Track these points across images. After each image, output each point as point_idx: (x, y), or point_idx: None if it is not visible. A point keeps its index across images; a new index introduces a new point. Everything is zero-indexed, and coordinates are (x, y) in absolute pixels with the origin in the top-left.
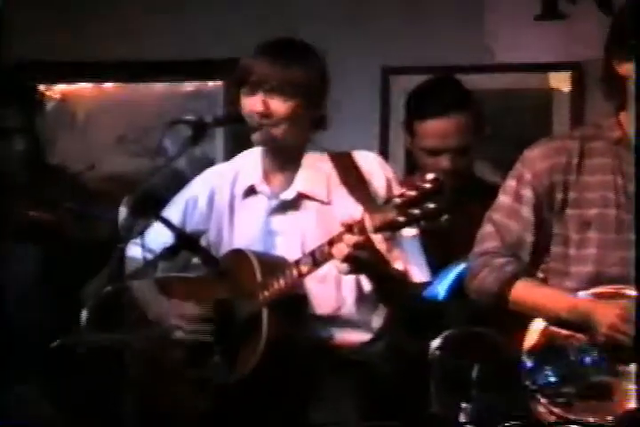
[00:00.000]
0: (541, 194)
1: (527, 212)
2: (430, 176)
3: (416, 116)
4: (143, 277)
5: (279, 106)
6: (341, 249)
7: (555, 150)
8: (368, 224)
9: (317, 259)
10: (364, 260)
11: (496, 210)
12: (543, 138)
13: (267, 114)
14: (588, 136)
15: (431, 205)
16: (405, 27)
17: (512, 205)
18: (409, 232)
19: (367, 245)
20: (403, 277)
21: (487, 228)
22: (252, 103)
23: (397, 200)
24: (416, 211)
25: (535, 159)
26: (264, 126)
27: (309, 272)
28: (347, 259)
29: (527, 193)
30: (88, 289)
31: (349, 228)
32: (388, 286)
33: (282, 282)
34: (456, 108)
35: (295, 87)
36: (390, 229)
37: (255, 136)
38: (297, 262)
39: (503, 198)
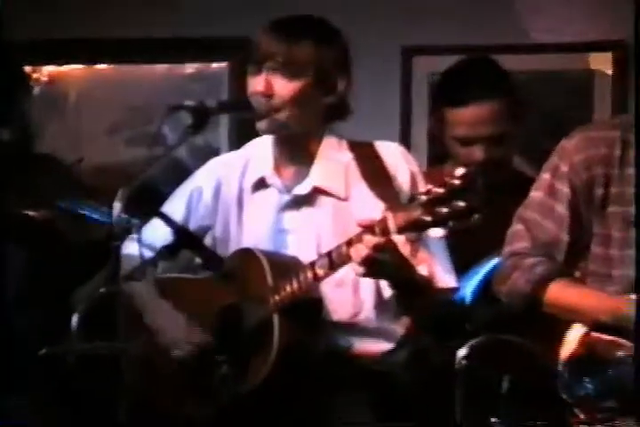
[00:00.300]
0: (579, 189)
1: (562, 208)
2: (460, 171)
3: (446, 102)
4: (140, 277)
5: (283, 86)
6: (360, 250)
7: (594, 141)
8: (391, 224)
9: (334, 261)
10: (384, 263)
11: (527, 207)
12: (581, 126)
13: (269, 94)
14: (630, 124)
15: (461, 204)
16: (428, 1)
17: (546, 202)
18: (435, 233)
19: (389, 247)
20: (427, 283)
21: (517, 226)
22: (255, 83)
23: (423, 198)
24: (444, 209)
25: (572, 150)
26: (269, 111)
27: (326, 275)
28: (365, 262)
29: (563, 188)
30: (80, 292)
31: (370, 228)
32: (410, 293)
33: (295, 285)
34: (491, 92)
35: (302, 66)
36: (415, 229)
37: (259, 123)
38: (312, 264)
39: (536, 194)
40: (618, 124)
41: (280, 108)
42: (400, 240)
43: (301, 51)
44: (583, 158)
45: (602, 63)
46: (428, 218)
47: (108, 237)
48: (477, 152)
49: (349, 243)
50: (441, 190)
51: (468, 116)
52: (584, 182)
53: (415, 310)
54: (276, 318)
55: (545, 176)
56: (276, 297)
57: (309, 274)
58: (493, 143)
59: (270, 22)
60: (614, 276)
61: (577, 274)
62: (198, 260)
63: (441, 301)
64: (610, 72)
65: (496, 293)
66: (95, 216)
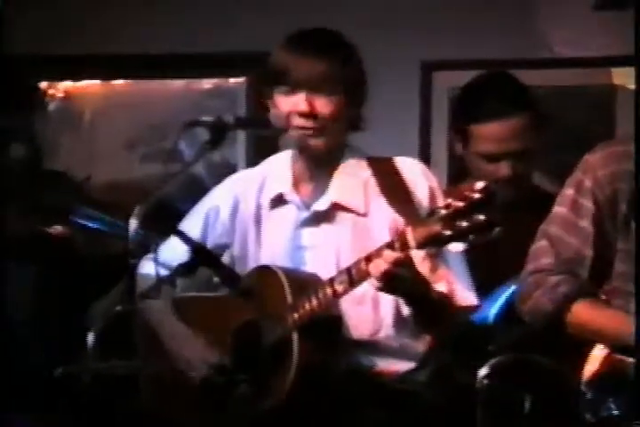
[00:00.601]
0: (603, 204)
1: (586, 224)
2: (480, 185)
3: (471, 118)
4: (156, 296)
5: (324, 105)
6: (379, 266)
7: (618, 155)
8: (410, 239)
9: (354, 277)
10: (402, 278)
11: (551, 222)
12: (605, 141)
13: (313, 114)
14: None
15: (481, 217)
16: (448, 16)
17: (569, 217)
18: (455, 247)
19: (407, 262)
20: (445, 300)
21: (541, 242)
22: (293, 103)
23: (443, 211)
24: (464, 223)
25: (596, 165)
26: (306, 130)
27: (345, 292)
28: (384, 277)
29: (587, 203)
30: (95, 310)
31: (390, 243)
32: (426, 310)
33: (314, 303)
34: (517, 107)
35: (337, 83)
36: (435, 243)
37: (314, 141)
38: (331, 281)
39: (560, 209)
40: None
41: (324, 126)
42: (419, 255)
43: (334, 68)
44: (607, 173)
45: (624, 78)
46: (448, 232)
47: (124, 252)
48: (504, 169)
49: (368, 258)
50: (461, 204)
51: (494, 132)
52: (608, 197)
53: (434, 329)
54: (295, 336)
55: (569, 191)
56: (295, 315)
57: (329, 291)
58: (520, 159)
59: (291, 39)
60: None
61: (601, 293)
62: (216, 278)
63: (460, 319)
64: (633, 87)
65: (518, 311)
66: (111, 230)
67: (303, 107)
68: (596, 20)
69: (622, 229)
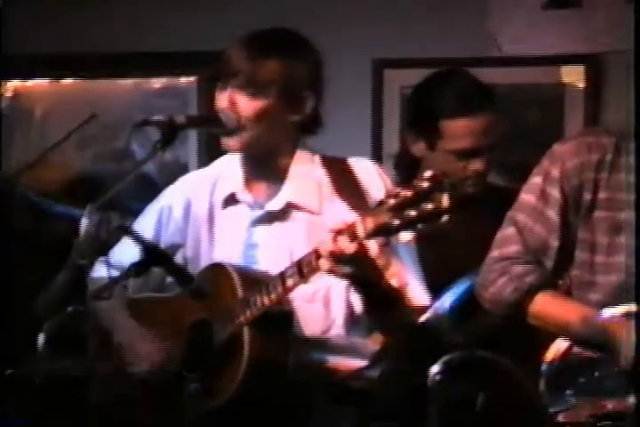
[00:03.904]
0: (569, 195)
1: (553, 214)
2: (428, 174)
3: (441, 115)
4: (107, 296)
5: (246, 104)
6: (328, 247)
7: (587, 146)
8: (360, 229)
9: (303, 270)
10: (353, 260)
11: (519, 210)
12: (578, 131)
13: (233, 112)
14: (627, 132)
15: (429, 206)
16: (398, 14)
17: (537, 206)
18: (404, 237)
19: (359, 253)
20: (397, 294)
21: (508, 230)
22: (221, 99)
23: (392, 201)
24: (412, 212)
25: (565, 155)
26: (236, 129)
27: (295, 285)
28: (333, 255)
29: (554, 193)
30: (41, 307)
31: (340, 232)
32: (379, 303)
33: (265, 298)
34: (485, 102)
35: (266, 85)
36: (384, 233)
37: (225, 140)
38: (282, 275)
39: (527, 197)
40: (615, 131)
41: (245, 125)
42: (372, 251)
43: (265, 70)
44: (576, 163)
45: (573, 76)
46: (397, 221)
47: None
48: (478, 164)
49: (317, 251)
50: (409, 193)
51: (468, 128)
52: (574, 188)
53: (384, 323)
54: (246, 332)
55: (536, 180)
56: (247, 311)
57: (279, 285)
58: (490, 154)
59: (242, 37)
60: (598, 282)
61: (560, 283)
62: (169, 278)
63: (411, 317)
64: (582, 85)
65: (478, 297)
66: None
67: (224, 103)
68: (544, 18)
69: (584, 218)
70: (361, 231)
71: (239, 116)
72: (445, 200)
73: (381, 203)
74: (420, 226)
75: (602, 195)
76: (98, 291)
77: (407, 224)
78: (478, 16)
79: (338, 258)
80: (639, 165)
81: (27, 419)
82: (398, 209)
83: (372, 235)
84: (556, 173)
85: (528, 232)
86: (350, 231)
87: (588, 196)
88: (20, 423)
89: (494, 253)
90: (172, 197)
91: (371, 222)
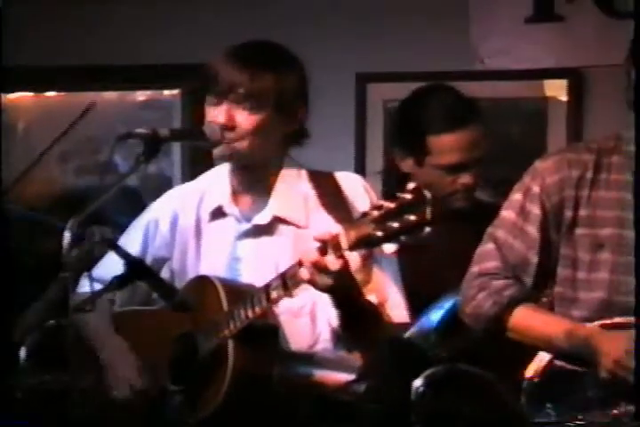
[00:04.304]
0: (549, 211)
1: (533, 230)
2: (411, 186)
3: (428, 130)
4: (89, 309)
5: (245, 118)
6: (311, 258)
7: (568, 163)
8: (343, 240)
9: (287, 282)
10: (334, 274)
11: (499, 226)
12: (560, 148)
13: (230, 127)
14: (607, 149)
15: (412, 217)
16: (382, 28)
17: (517, 222)
18: (388, 249)
19: (342, 260)
20: (375, 311)
21: (488, 245)
22: (215, 114)
23: (375, 213)
24: (395, 224)
25: (545, 172)
26: (226, 140)
27: (280, 298)
28: (313, 281)
29: (534, 209)
30: (25, 322)
31: (324, 245)
32: (356, 317)
33: (250, 311)
34: (472, 116)
35: (265, 98)
36: (367, 245)
37: (216, 150)
38: (266, 287)
39: (507, 214)
40: (595, 148)
41: (241, 138)
42: (354, 265)
43: (263, 83)
44: (556, 180)
45: (556, 90)
46: (380, 233)
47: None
48: (467, 178)
49: (301, 263)
50: (392, 205)
51: (456, 142)
52: (554, 204)
53: (360, 341)
54: (231, 345)
55: (517, 196)
56: (232, 324)
57: (263, 297)
58: (478, 168)
59: (229, 50)
60: (580, 299)
61: (544, 300)
62: (153, 292)
63: (388, 335)
64: (564, 99)
65: (460, 313)
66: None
67: (221, 118)
68: (527, 32)
69: (566, 235)
70: (344, 243)
71: (237, 129)
72: (428, 212)
73: (365, 215)
74: (402, 238)
75: (582, 212)
76: (81, 304)
77: (390, 236)
78: (461, 30)
79: (319, 268)
80: (639, 164)
81: None
82: (381, 221)
83: (355, 246)
84: (536, 189)
85: (507, 248)
86: (334, 242)
87: (569, 213)
88: (20, 424)
89: (474, 268)
90: (158, 211)
91: (354, 234)
